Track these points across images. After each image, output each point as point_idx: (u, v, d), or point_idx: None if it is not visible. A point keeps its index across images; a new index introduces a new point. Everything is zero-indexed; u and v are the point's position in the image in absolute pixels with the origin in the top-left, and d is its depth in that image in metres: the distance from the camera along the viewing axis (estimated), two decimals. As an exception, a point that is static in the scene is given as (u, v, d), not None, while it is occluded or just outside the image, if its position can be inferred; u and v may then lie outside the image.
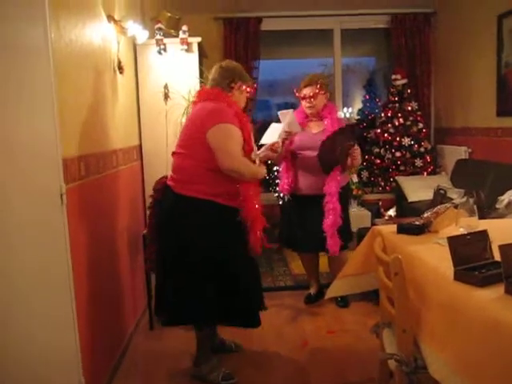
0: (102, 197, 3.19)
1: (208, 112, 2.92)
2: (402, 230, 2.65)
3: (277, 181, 6.73)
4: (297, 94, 4.11)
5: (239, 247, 2.92)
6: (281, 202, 6.49)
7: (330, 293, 3.09)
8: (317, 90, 4.01)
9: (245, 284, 2.99)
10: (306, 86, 4.04)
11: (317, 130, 4.06)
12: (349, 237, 4.14)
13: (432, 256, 2.23)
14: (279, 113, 3.88)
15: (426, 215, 2.70)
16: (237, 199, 2.89)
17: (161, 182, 3.17)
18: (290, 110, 3.87)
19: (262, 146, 3.57)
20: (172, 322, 3.14)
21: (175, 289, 2.97)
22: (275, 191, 6.67)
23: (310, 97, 4.01)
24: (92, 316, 2.84)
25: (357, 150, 3.91)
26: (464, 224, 2.33)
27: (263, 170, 3.02)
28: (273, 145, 3.52)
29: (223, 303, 2.95)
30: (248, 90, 3.13)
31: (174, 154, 3.05)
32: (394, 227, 2.72)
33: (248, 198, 2.88)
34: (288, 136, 3.84)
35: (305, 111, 4.11)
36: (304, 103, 4.07)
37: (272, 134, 3.68)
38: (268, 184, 6.22)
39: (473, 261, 1.98)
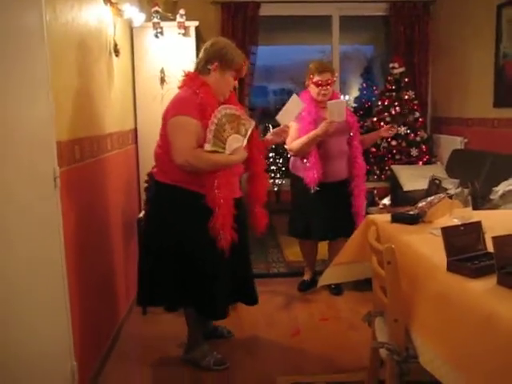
0: (96, 180, 3.18)
1: (171, 103, 2.92)
2: (396, 219, 2.65)
3: (272, 167, 6.78)
4: (312, 81, 3.96)
5: (205, 233, 2.85)
6: (275, 189, 6.53)
7: (323, 280, 3.10)
8: (334, 78, 4.00)
9: (203, 271, 2.93)
10: (321, 72, 3.94)
11: None
12: None
13: (425, 246, 2.23)
14: (328, 103, 3.76)
15: (420, 205, 2.70)
16: (204, 186, 2.84)
17: (152, 169, 3.21)
18: (344, 100, 3.77)
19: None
20: (141, 302, 3.18)
21: (144, 270, 3.07)
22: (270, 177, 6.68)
23: (328, 84, 3.95)
24: (84, 300, 2.83)
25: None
26: (458, 215, 2.34)
27: (235, 158, 2.86)
28: (279, 128, 3.33)
29: (184, 287, 2.96)
30: (232, 69, 2.94)
31: (157, 142, 3.06)
32: (388, 216, 2.72)
33: (212, 186, 2.81)
34: (332, 127, 3.79)
35: (312, 98, 4.00)
36: (319, 90, 3.96)
37: (288, 114, 3.40)
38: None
39: (466, 252, 1.98)
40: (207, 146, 2.77)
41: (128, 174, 4.07)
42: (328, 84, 3.95)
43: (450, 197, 2.66)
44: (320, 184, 3.97)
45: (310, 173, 3.99)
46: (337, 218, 4.05)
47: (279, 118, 3.35)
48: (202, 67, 2.96)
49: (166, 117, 2.88)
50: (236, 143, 2.85)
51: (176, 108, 2.85)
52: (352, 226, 3.91)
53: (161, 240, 2.95)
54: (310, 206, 4.11)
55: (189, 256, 2.91)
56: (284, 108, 3.37)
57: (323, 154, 3.99)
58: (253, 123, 2.95)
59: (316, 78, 3.94)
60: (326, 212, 4.05)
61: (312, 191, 3.98)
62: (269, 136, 3.34)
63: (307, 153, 3.97)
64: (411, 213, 2.66)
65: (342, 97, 7.53)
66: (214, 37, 3.11)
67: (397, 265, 2.04)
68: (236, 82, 3.04)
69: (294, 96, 3.44)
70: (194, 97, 2.84)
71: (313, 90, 3.99)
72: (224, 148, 2.81)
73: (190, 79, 2.96)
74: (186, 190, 2.86)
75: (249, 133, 2.92)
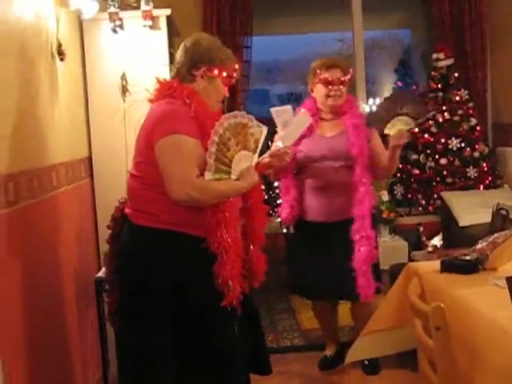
0: (38, 230, 3.20)
1: (154, 119, 2.89)
2: (446, 267, 2.67)
3: (278, 201, 6.80)
4: (319, 78, 3.95)
5: (212, 292, 2.85)
6: (285, 231, 6.55)
7: (353, 355, 3.11)
8: (348, 76, 3.95)
9: (217, 342, 2.92)
10: (329, 68, 3.93)
11: (334, 133, 3.99)
12: (379, 277, 4.06)
13: (488, 304, 2.25)
14: (272, 110, 3.71)
15: (480, 246, 2.72)
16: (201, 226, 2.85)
17: (120, 209, 3.17)
18: (288, 107, 3.73)
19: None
20: None
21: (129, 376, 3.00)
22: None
23: (341, 82, 3.91)
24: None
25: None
26: (530, 259, 2.36)
27: (244, 184, 2.88)
28: (279, 150, 3.42)
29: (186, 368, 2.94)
30: (224, 74, 3.02)
31: (129, 173, 3.06)
32: (436, 264, 2.74)
33: (217, 224, 2.82)
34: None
35: (317, 105, 4.03)
36: (326, 91, 3.93)
37: (293, 134, 3.53)
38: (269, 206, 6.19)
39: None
40: (208, 175, 2.79)
41: (81, 219, 4.09)
42: (341, 82, 3.91)
43: (520, 234, 2.68)
44: (302, 223, 4.07)
45: (280, 207, 4.15)
46: (329, 273, 3.95)
47: (284, 139, 3.43)
48: (185, 73, 3.01)
49: (151, 138, 2.85)
50: (245, 162, 2.86)
51: (166, 124, 2.83)
52: (350, 285, 3.85)
53: (149, 318, 2.87)
54: (290, 251, 4.29)
55: (200, 331, 2.89)
56: (291, 127, 3.51)
57: (309, 183, 4.01)
58: (264, 130, 2.93)
59: (324, 75, 3.93)
60: (311, 262, 4.04)
61: (288, 232, 4.15)
62: (265, 159, 3.37)
63: (279, 176, 4.09)
64: (468, 258, 2.68)
65: (370, 101, 7.62)
66: (193, 28, 3.17)
67: (449, 331, 2.06)
68: (227, 91, 3.09)
69: (304, 111, 3.58)
70: (186, 109, 2.86)
71: (319, 91, 3.98)
72: (229, 173, 2.83)
73: (169, 88, 2.97)
74: (181, 235, 2.85)
75: (260, 145, 2.92)
